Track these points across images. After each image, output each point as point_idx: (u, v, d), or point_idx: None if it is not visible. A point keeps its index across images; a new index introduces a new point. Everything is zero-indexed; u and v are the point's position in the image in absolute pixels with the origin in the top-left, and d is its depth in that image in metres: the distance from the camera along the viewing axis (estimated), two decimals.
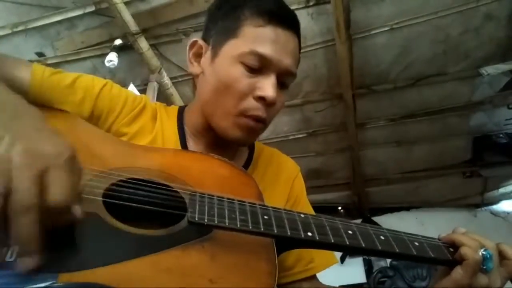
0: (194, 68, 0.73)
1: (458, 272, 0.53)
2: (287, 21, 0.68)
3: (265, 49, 0.64)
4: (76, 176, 0.41)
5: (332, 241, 0.50)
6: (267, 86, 0.65)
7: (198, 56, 0.73)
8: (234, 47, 0.66)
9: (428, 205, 4.30)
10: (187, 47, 0.74)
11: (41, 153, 0.39)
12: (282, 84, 0.69)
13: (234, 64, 0.65)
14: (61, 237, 0.41)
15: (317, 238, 0.50)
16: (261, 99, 0.65)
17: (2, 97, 0.48)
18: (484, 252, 0.53)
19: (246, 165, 0.78)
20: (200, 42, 0.73)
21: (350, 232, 0.52)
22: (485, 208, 4.15)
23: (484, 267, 0.53)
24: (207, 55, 0.71)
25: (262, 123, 0.69)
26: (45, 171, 0.38)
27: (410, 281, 3.48)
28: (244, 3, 0.68)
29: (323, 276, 0.78)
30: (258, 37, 0.65)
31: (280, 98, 0.69)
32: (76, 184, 0.41)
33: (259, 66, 0.65)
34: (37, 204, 0.36)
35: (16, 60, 0.65)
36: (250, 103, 0.66)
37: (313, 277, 0.75)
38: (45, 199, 0.37)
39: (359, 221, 4.14)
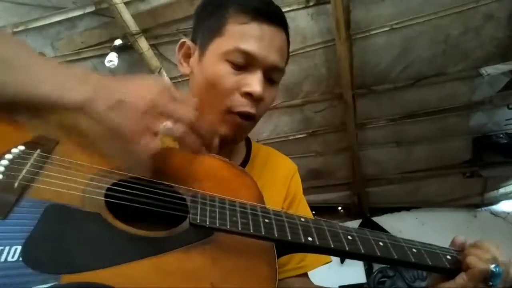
0: (184, 68, 0.75)
1: (462, 278, 0.54)
2: (272, 17, 0.68)
3: (250, 46, 0.65)
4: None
5: (332, 246, 0.51)
6: (254, 82, 0.65)
7: (187, 56, 0.74)
8: (220, 45, 0.67)
9: (428, 205, 4.30)
10: (176, 48, 0.76)
11: (155, 89, 0.49)
12: (270, 80, 0.69)
13: (220, 62, 0.66)
14: (64, 238, 0.41)
15: (317, 243, 0.50)
16: (248, 95, 0.66)
17: (74, 71, 0.52)
18: (493, 269, 0.53)
19: (244, 164, 0.79)
20: (189, 42, 0.74)
21: (349, 237, 0.53)
22: (485, 208, 4.15)
23: (491, 283, 0.53)
24: (195, 55, 0.72)
25: (250, 119, 0.69)
26: (169, 98, 0.50)
27: (410, 281, 3.48)
28: (229, 2, 0.69)
29: (323, 276, 0.78)
30: (242, 34, 0.66)
31: (268, 93, 0.70)
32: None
33: (245, 63, 0.65)
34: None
35: None
36: (238, 100, 0.66)
37: (305, 275, 0.76)
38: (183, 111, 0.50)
39: (359, 221, 4.12)
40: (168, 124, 0.48)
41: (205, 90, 0.68)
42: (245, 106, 0.67)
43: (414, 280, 3.47)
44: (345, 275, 3.75)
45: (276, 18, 0.69)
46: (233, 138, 0.70)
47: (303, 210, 0.82)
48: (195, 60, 0.72)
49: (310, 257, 0.76)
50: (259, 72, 0.66)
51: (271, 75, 0.69)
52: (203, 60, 0.69)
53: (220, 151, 0.68)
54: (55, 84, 0.49)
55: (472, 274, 0.53)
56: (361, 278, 4.01)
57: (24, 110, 0.53)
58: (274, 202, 0.62)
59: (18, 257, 0.38)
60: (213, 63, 0.67)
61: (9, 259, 0.37)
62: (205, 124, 0.53)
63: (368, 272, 3.99)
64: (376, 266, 3.86)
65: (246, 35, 0.65)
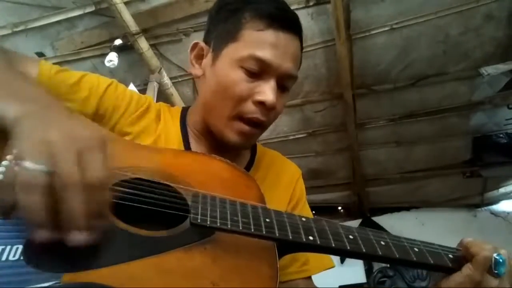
0: (195, 70, 0.74)
1: (468, 268, 0.54)
2: (288, 24, 0.67)
3: (265, 54, 0.64)
4: (108, 157, 0.43)
5: (333, 245, 0.51)
6: (267, 91, 0.65)
7: (200, 58, 0.74)
8: (234, 51, 0.66)
9: (428, 205, 4.30)
10: (189, 49, 0.75)
11: (77, 136, 0.41)
12: (282, 87, 0.69)
13: (234, 68, 0.65)
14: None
15: (318, 242, 0.50)
16: (261, 103, 0.65)
17: (32, 89, 0.50)
18: (497, 257, 0.53)
19: (248, 167, 0.78)
20: (201, 44, 0.73)
21: (351, 237, 0.53)
22: (485, 208, 4.15)
23: (496, 271, 0.53)
24: (208, 58, 0.71)
25: (259, 127, 0.69)
26: (82, 152, 0.39)
27: (410, 281, 3.48)
28: (245, 6, 0.68)
29: (323, 276, 0.78)
30: (258, 41, 0.65)
31: (280, 101, 0.69)
32: (108, 165, 0.42)
33: (259, 70, 0.65)
34: (81, 182, 0.38)
35: (24, 57, 0.66)
36: (249, 107, 0.66)
37: (309, 278, 0.76)
38: (86, 177, 0.38)
39: (359, 221, 4.10)
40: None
41: (216, 94, 0.68)
42: (255, 113, 0.66)
43: (414, 280, 3.47)
44: (345, 275, 3.75)
45: (291, 25, 0.68)
46: (240, 144, 0.70)
47: (306, 215, 0.82)
48: (207, 63, 0.71)
49: (313, 261, 0.76)
50: (273, 80, 0.66)
51: (284, 83, 0.69)
52: (216, 64, 0.68)
53: (225, 154, 0.68)
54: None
55: (477, 261, 0.53)
56: (361, 278, 4.01)
57: None
58: (277, 205, 0.62)
59: (20, 256, 0.38)
60: (226, 68, 0.66)
61: (11, 258, 0.37)
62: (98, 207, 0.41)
63: (368, 272, 3.99)
64: (376, 266, 3.87)
65: (261, 43, 0.65)
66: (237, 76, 0.65)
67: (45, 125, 0.41)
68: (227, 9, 0.71)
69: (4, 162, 0.45)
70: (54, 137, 0.39)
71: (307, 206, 0.83)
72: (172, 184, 0.54)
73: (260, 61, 0.64)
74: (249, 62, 0.64)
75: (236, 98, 0.65)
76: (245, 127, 0.67)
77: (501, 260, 0.53)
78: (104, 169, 0.41)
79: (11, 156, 0.41)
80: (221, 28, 0.70)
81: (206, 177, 0.60)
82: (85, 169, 0.39)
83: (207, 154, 0.67)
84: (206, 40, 0.74)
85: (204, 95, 0.72)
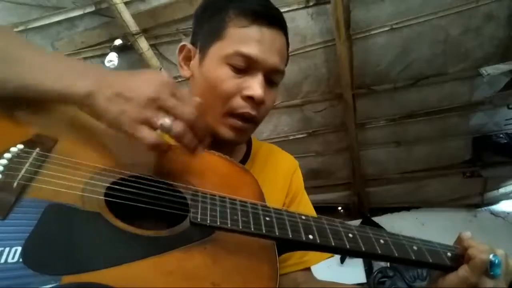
0: (184, 72, 0.75)
1: (465, 270, 0.54)
2: (272, 19, 0.69)
3: (250, 49, 0.65)
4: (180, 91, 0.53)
5: (333, 244, 0.51)
6: (255, 85, 0.66)
7: (188, 59, 0.75)
8: (220, 49, 0.67)
9: (428, 205, 4.30)
10: (177, 52, 0.76)
11: (154, 87, 0.49)
12: (270, 82, 0.70)
13: (221, 66, 0.67)
14: (64, 238, 0.41)
15: (318, 241, 0.50)
16: (249, 98, 0.66)
17: (79, 63, 0.55)
18: (493, 258, 0.53)
19: (244, 161, 0.79)
20: (189, 46, 0.74)
21: (350, 235, 0.53)
22: (485, 208, 4.15)
23: (492, 273, 0.53)
24: (195, 59, 0.73)
25: (252, 122, 0.70)
26: (166, 98, 0.50)
27: (410, 281, 3.48)
28: (228, 5, 0.69)
29: (323, 276, 0.78)
30: (242, 38, 0.66)
31: (269, 96, 0.70)
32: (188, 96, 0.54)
33: (245, 66, 0.66)
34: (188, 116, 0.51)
35: None
36: (239, 103, 0.67)
37: (308, 270, 0.76)
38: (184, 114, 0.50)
39: (359, 221, 4.10)
40: (167, 120, 0.48)
41: (206, 93, 0.69)
42: (246, 108, 0.67)
43: (414, 280, 3.47)
44: (345, 275, 3.75)
45: (275, 21, 0.69)
46: (235, 140, 0.71)
47: (305, 206, 0.82)
48: (195, 63, 0.72)
49: (312, 252, 0.76)
50: (260, 75, 0.67)
51: (272, 77, 0.70)
52: (204, 63, 0.70)
53: (221, 149, 0.68)
54: (55, 78, 0.49)
55: (474, 265, 0.54)
56: (361, 278, 4.01)
57: (24, 106, 0.53)
58: (275, 199, 0.62)
59: (19, 259, 0.37)
60: (213, 66, 0.68)
61: (9, 260, 0.37)
62: (202, 123, 0.53)
63: (368, 272, 3.99)
64: (376, 266, 3.87)
65: (246, 39, 0.66)
66: (224, 73, 0.66)
67: (123, 89, 0.48)
68: (211, 9, 0.72)
69: (2, 161, 0.45)
70: (144, 96, 0.48)
71: (306, 197, 0.84)
72: (171, 182, 0.54)
73: (246, 57, 0.65)
74: (235, 59, 0.65)
75: (224, 95, 0.66)
76: (238, 123, 0.68)
77: (497, 262, 0.53)
78: (191, 102, 0.51)
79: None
80: (206, 28, 0.71)
81: (205, 173, 0.60)
82: (180, 109, 0.49)
83: (206, 150, 0.68)
84: (193, 42, 0.75)
85: (195, 95, 0.73)
